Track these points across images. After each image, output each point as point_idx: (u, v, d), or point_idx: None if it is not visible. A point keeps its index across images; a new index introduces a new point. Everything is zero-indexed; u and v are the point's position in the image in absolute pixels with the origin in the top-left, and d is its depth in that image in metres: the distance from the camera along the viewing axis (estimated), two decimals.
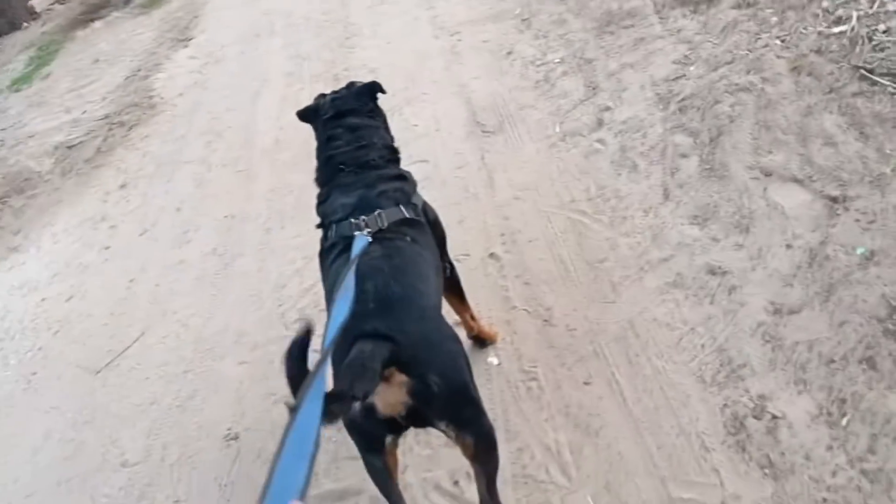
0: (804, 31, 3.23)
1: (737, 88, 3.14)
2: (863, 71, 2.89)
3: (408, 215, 1.88)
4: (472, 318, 2.44)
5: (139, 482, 2.62)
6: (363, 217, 1.81)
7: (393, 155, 2.11)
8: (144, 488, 2.58)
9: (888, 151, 2.56)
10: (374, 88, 2.21)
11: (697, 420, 2.09)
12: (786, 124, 2.86)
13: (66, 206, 4.56)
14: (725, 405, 2.10)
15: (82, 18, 7.65)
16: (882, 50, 2.93)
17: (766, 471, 1.93)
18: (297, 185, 3.75)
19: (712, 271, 2.48)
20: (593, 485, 2.04)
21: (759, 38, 3.32)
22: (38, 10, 8.66)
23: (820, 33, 3.16)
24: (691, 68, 3.42)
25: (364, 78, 4.41)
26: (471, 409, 1.67)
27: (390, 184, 1.96)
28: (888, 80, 2.80)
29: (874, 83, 2.82)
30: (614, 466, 2.06)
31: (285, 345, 1.29)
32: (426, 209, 2.05)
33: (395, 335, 1.49)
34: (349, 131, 2.06)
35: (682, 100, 3.24)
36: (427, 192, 2.16)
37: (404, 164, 2.16)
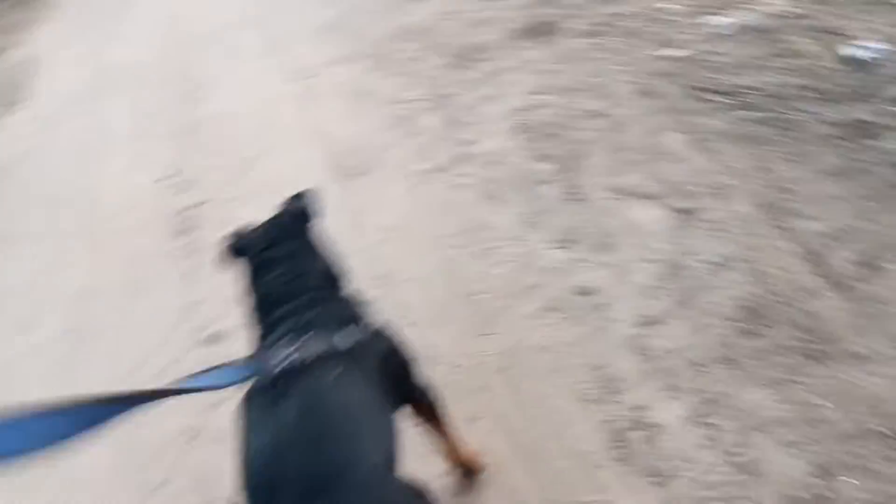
0: (644, 56, 3.47)
1: (589, 114, 3.31)
2: (699, 91, 3.13)
3: (339, 347, 1.55)
4: (455, 448, 2.07)
5: None
6: (286, 350, 1.50)
7: (333, 282, 1.79)
8: None
9: (728, 164, 2.77)
10: (305, 209, 1.85)
11: (582, 440, 2.12)
12: (636, 145, 3.04)
13: None
14: (606, 421, 2.14)
15: None
16: (716, 71, 3.20)
17: (652, 479, 1.97)
18: (149, 251, 3.49)
19: (582, 292, 2.55)
20: None
21: (606, 66, 3.52)
22: None
23: (659, 57, 3.41)
24: (545, 97, 3.57)
25: (217, 131, 4.34)
26: None
27: (328, 308, 1.67)
28: (722, 98, 3.05)
29: (709, 101, 3.06)
30: (510, 502, 2.04)
31: None
32: (380, 335, 1.74)
33: None
34: (281, 262, 1.73)
35: (539, 128, 3.37)
36: None
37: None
